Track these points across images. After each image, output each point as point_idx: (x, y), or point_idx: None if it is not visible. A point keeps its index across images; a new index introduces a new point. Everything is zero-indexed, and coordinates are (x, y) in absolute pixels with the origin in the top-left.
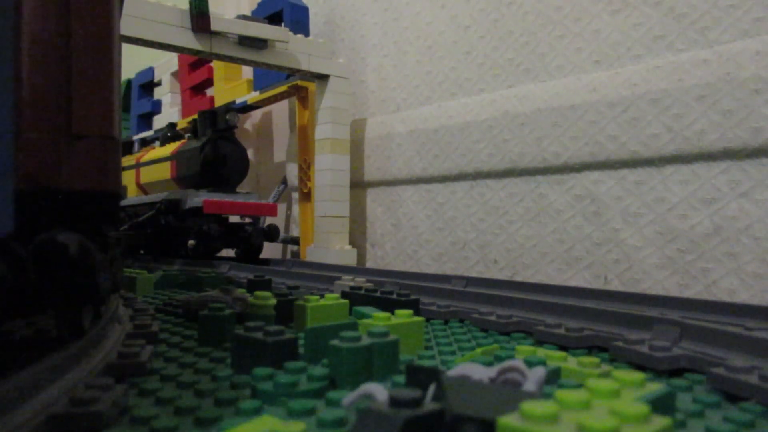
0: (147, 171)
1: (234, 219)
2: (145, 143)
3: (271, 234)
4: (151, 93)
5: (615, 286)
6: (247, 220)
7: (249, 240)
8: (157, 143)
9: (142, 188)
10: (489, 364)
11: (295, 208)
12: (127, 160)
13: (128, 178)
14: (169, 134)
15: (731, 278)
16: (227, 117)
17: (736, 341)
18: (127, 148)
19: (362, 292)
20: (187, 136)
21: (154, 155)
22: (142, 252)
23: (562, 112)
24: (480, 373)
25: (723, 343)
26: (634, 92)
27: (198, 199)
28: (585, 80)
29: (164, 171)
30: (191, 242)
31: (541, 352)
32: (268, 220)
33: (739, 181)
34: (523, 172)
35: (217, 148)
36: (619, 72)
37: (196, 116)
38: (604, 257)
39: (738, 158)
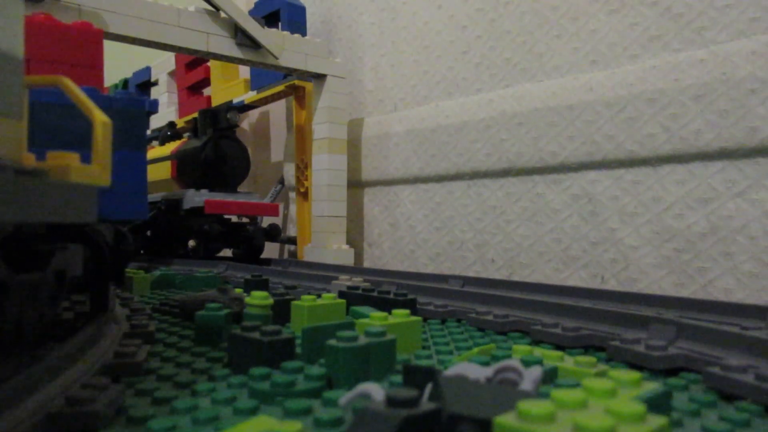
0: (149, 169)
1: (233, 218)
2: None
3: (273, 234)
4: (148, 92)
5: (612, 285)
6: (245, 219)
7: (250, 240)
8: (155, 142)
9: None
10: (486, 363)
11: (293, 208)
12: None
13: None
14: (168, 133)
15: (727, 277)
16: (228, 116)
17: (732, 340)
18: None
19: (359, 291)
20: (186, 135)
21: (154, 154)
22: (141, 252)
23: (559, 111)
24: (477, 372)
25: (719, 342)
26: (630, 92)
27: (199, 198)
28: (582, 80)
29: (164, 170)
30: (192, 242)
31: (538, 351)
32: (269, 220)
33: (735, 181)
34: (521, 172)
35: (218, 147)
36: (616, 72)
37: (196, 115)
38: (601, 257)
39: (734, 158)
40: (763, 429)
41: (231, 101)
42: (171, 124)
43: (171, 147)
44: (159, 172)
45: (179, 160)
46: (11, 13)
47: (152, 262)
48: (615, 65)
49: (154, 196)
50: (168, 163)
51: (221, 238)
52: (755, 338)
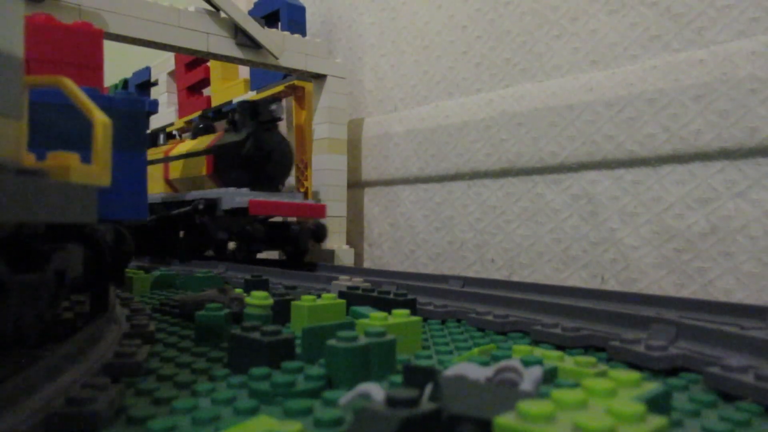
0: (178, 166)
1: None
2: (171, 135)
3: (320, 234)
4: (147, 93)
5: (612, 285)
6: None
7: (296, 241)
8: (169, 136)
9: (171, 184)
10: (486, 363)
11: None
12: (152, 153)
13: (155, 173)
14: (201, 126)
15: (727, 278)
16: (272, 108)
17: (732, 341)
18: (152, 140)
19: (359, 292)
20: (224, 128)
21: (186, 148)
22: (169, 255)
23: (559, 111)
24: (477, 372)
25: (719, 342)
26: (630, 92)
27: (241, 199)
28: (582, 80)
29: (199, 166)
30: (232, 244)
31: (538, 351)
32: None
33: (735, 181)
34: (520, 172)
35: (260, 142)
36: (616, 72)
37: (235, 106)
38: (601, 257)
39: (734, 158)
40: (763, 429)
41: (230, 101)
42: (204, 116)
43: (206, 140)
44: (192, 168)
45: (217, 155)
46: (11, 13)
47: (183, 264)
48: (615, 65)
49: (187, 194)
50: (203, 159)
51: (265, 240)
52: (755, 338)
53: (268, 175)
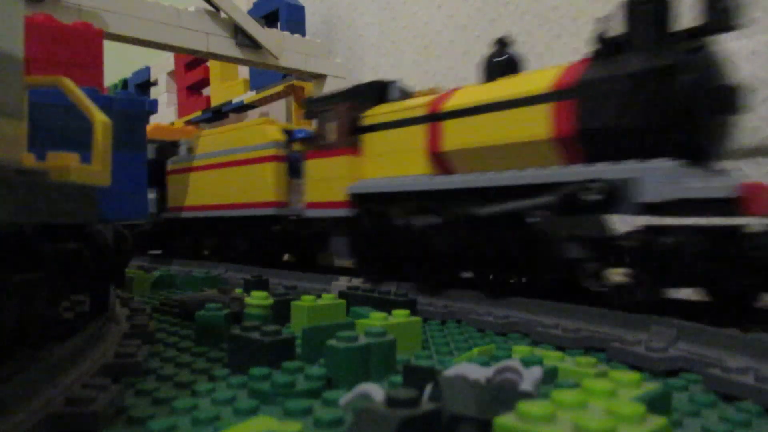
0: (465, 127)
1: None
2: (406, 94)
3: None
4: (147, 92)
5: None
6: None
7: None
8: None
9: (442, 160)
10: (486, 364)
11: None
12: (393, 112)
13: (402, 143)
14: (501, 58)
15: None
16: (722, 5)
17: (732, 342)
18: (379, 93)
19: (359, 292)
20: (592, 52)
21: (484, 96)
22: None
23: None
24: (477, 373)
25: (719, 344)
26: None
27: (709, 185)
28: None
29: (527, 124)
30: (620, 272)
31: (538, 352)
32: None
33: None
34: None
35: (702, 72)
36: None
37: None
38: None
39: (734, 158)
40: (763, 429)
41: (230, 102)
42: (501, 41)
43: (536, 79)
44: (506, 129)
45: (586, 99)
46: (11, 13)
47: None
48: None
49: (494, 178)
50: (540, 110)
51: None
52: (755, 340)
53: (704, 137)
